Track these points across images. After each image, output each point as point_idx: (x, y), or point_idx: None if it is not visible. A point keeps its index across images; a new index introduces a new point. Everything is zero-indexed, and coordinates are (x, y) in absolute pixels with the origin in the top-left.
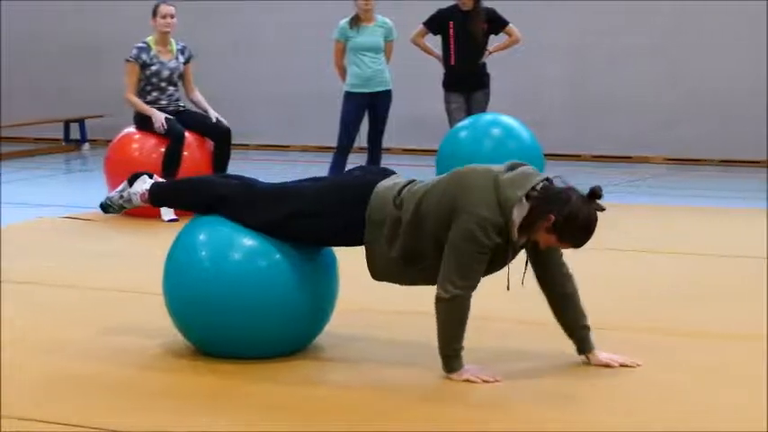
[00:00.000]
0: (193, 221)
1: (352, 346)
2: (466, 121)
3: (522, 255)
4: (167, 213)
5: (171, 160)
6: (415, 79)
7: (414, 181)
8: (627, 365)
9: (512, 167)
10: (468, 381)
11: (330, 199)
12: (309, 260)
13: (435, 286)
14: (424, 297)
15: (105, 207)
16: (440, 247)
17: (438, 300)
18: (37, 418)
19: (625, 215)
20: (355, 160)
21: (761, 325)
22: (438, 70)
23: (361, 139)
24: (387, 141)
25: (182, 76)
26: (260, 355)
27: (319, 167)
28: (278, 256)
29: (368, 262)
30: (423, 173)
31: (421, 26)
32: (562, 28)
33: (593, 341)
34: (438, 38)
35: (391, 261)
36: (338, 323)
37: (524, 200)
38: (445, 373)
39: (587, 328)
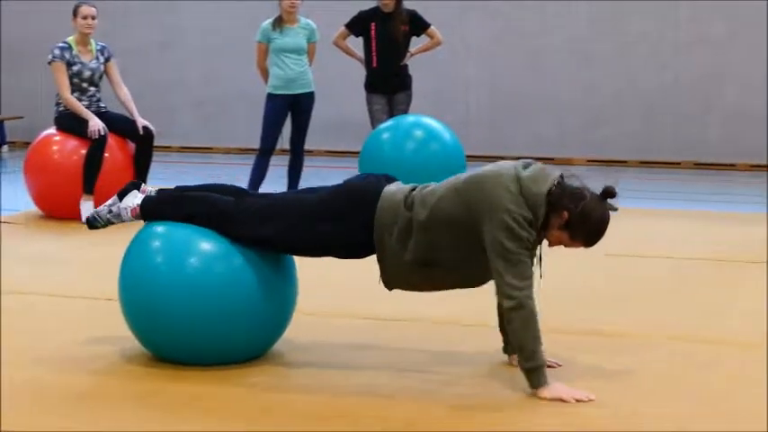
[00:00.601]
0: (148, 226)
1: (311, 351)
2: (388, 123)
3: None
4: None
5: (92, 162)
6: (338, 81)
7: (420, 185)
8: (549, 366)
9: (527, 165)
10: (560, 400)
11: (337, 204)
12: (268, 266)
13: (442, 292)
14: (377, 302)
15: (92, 222)
16: (457, 252)
17: (507, 310)
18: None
19: None
20: (278, 162)
21: (680, 325)
22: (360, 72)
23: (284, 140)
24: (309, 143)
25: (102, 77)
26: (219, 362)
27: (242, 170)
28: (236, 261)
29: (380, 268)
30: (345, 174)
31: (343, 28)
32: (484, 29)
33: None
34: (360, 39)
35: (404, 265)
36: (295, 329)
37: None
38: (532, 389)
39: None
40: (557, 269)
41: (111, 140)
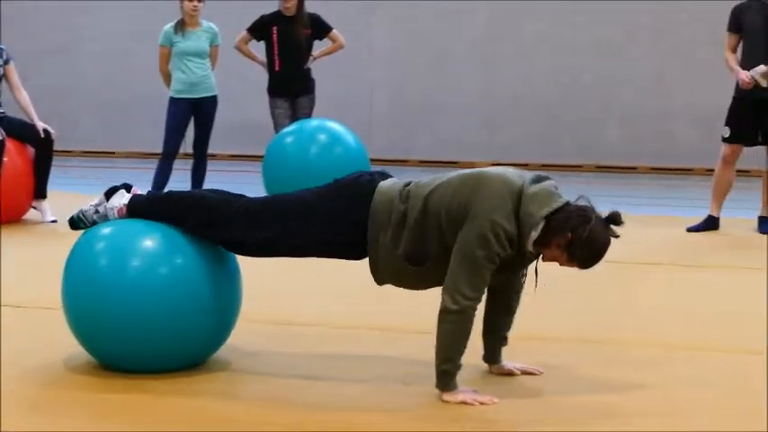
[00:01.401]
0: (92, 230)
1: (259, 359)
2: (292, 127)
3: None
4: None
5: None
6: (241, 85)
7: (415, 180)
8: (529, 373)
9: (537, 180)
10: (464, 403)
11: (332, 200)
12: (213, 271)
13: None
14: (318, 309)
15: (75, 222)
16: (444, 246)
17: (446, 311)
18: None
19: None
20: (181, 166)
21: (584, 327)
22: (263, 76)
23: (187, 145)
24: (213, 147)
25: (0, 80)
26: (166, 368)
27: (145, 174)
28: (179, 265)
29: (371, 264)
30: (249, 179)
31: (244, 32)
32: (385, 33)
33: (502, 353)
34: (263, 44)
35: (396, 261)
36: (241, 336)
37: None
38: (439, 390)
39: (506, 341)
40: None
41: (10, 145)
